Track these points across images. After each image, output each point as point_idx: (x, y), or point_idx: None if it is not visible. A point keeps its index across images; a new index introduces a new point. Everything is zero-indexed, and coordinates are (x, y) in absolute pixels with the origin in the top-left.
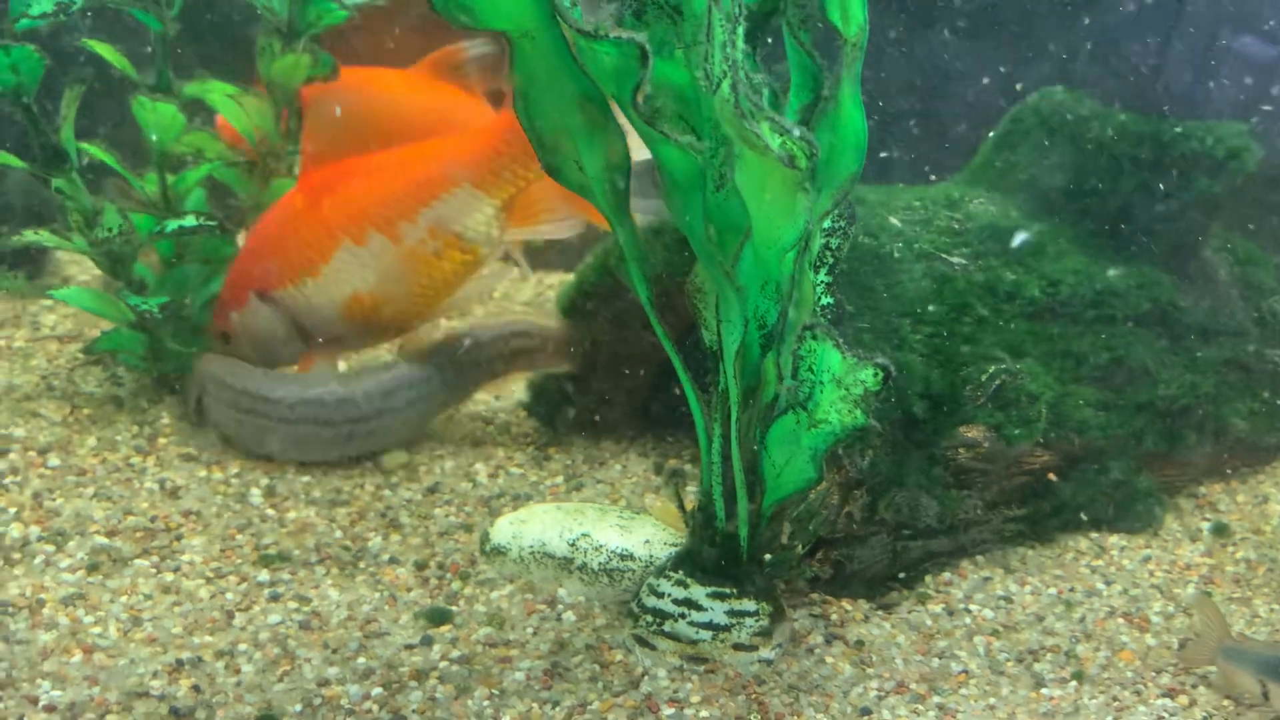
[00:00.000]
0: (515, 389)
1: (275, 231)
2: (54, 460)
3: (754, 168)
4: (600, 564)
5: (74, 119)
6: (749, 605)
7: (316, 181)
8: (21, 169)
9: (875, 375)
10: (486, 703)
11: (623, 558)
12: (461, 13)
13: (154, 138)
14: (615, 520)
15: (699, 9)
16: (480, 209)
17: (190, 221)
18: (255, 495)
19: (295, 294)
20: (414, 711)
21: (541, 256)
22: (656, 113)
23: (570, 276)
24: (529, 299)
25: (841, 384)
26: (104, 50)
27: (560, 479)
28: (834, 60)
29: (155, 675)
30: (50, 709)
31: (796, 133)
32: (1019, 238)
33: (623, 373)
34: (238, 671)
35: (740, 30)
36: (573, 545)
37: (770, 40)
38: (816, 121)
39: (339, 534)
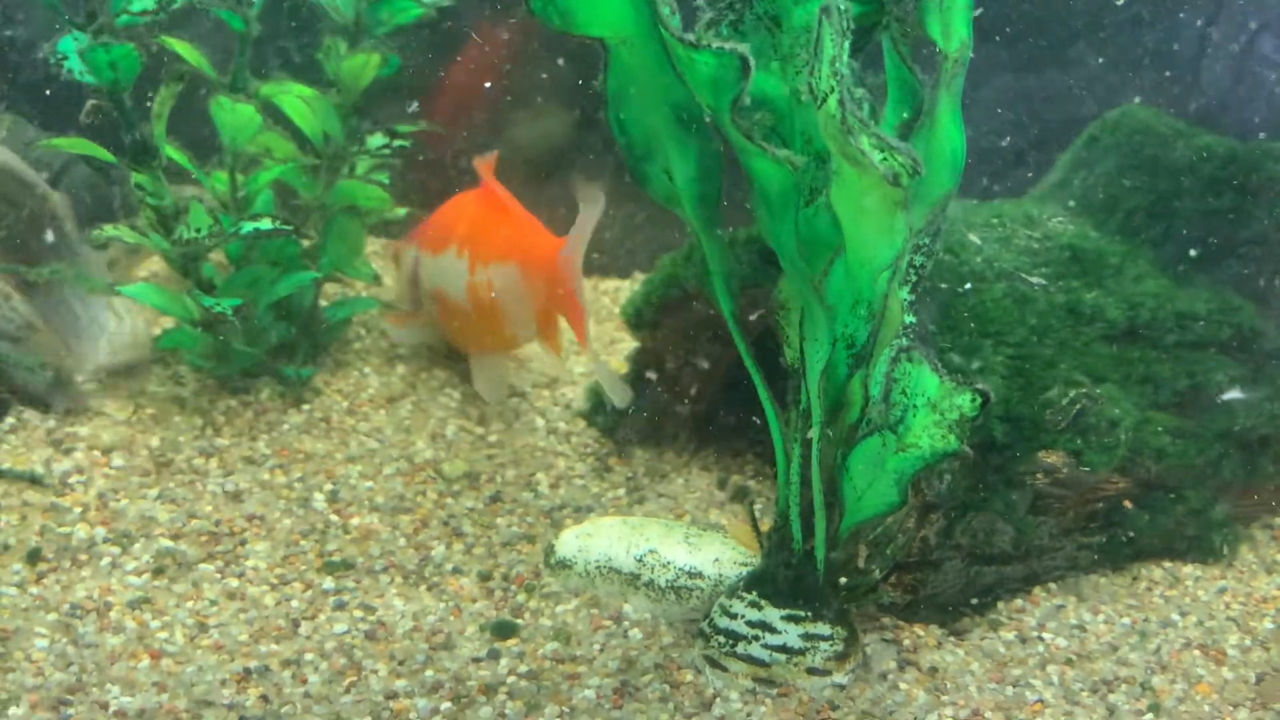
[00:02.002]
0: (574, 396)
1: (448, 211)
2: (118, 460)
3: (853, 184)
4: (668, 581)
5: (167, 116)
6: (823, 629)
7: (489, 195)
8: (95, 166)
9: (973, 400)
10: None
11: (691, 575)
12: (559, 17)
13: (229, 138)
14: (683, 537)
15: (798, 22)
16: (517, 293)
17: (266, 225)
18: (318, 500)
19: (422, 259)
20: None
21: (596, 263)
22: (753, 125)
23: (624, 283)
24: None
25: (937, 408)
26: (182, 49)
27: (622, 491)
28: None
29: (224, 684)
30: (121, 715)
31: (900, 149)
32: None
33: (686, 385)
34: (305, 682)
35: (847, 44)
36: (640, 561)
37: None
38: (914, 137)
39: (402, 542)
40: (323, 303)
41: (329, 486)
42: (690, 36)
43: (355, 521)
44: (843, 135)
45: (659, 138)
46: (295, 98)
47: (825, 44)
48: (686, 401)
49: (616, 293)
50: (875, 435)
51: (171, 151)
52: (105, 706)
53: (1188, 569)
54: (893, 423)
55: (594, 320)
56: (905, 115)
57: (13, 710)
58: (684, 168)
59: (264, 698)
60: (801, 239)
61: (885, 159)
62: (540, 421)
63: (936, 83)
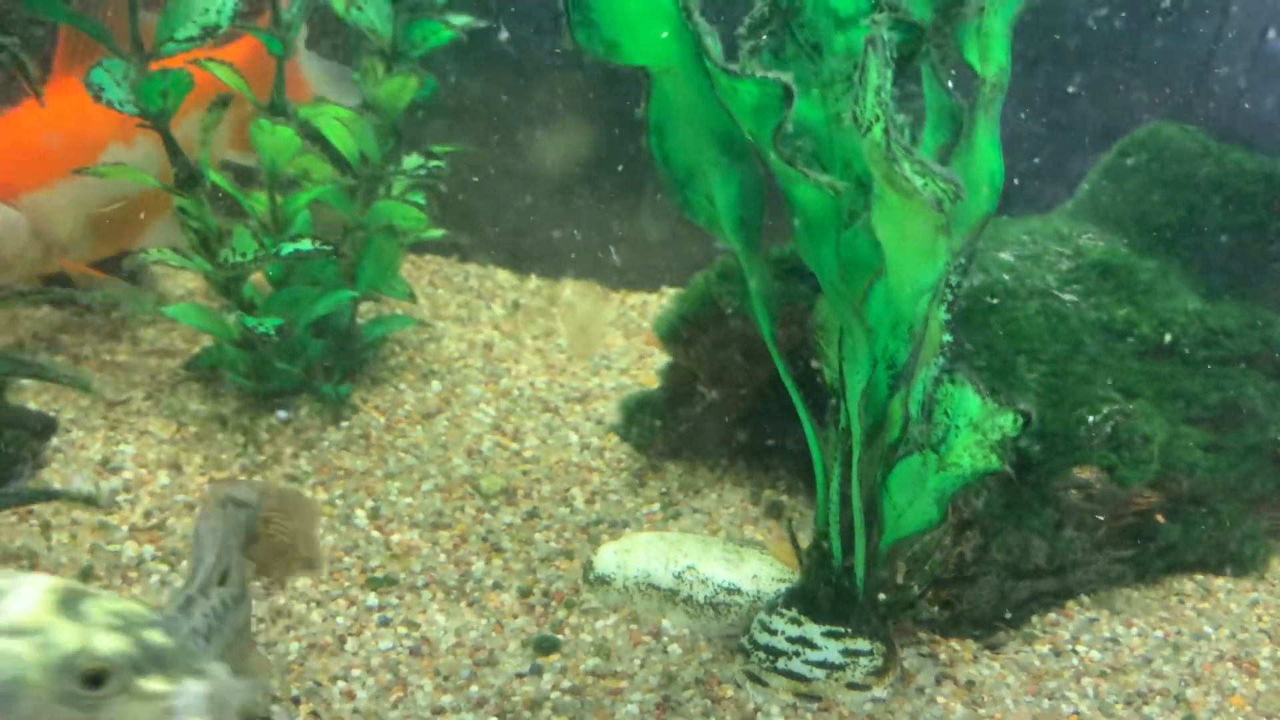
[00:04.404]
0: (605, 411)
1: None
2: (164, 478)
3: (896, 210)
4: (706, 597)
5: (211, 141)
6: (863, 645)
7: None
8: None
9: (1015, 421)
10: None
11: (729, 592)
12: (604, 48)
13: (268, 160)
14: (720, 553)
15: (839, 48)
16: None
17: (306, 245)
18: (360, 517)
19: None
20: None
21: (624, 277)
22: (795, 152)
23: (651, 296)
24: (612, 319)
25: (979, 428)
26: (220, 72)
27: (656, 506)
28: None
29: (275, 700)
30: None
31: (942, 175)
32: None
33: (719, 400)
34: (353, 698)
35: (891, 74)
36: (678, 577)
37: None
38: (952, 160)
39: (443, 558)
40: (359, 321)
41: (370, 503)
42: (733, 66)
43: (396, 538)
44: (887, 163)
45: (701, 164)
46: (333, 119)
47: (870, 74)
48: (719, 417)
49: (644, 306)
50: (916, 454)
51: (215, 176)
52: None
53: (1219, 582)
54: (934, 442)
55: (623, 334)
56: (944, 139)
57: None
58: (725, 193)
59: (314, 714)
60: (842, 261)
61: (927, 184)
62: (574, 437)
63: (974, 106)
